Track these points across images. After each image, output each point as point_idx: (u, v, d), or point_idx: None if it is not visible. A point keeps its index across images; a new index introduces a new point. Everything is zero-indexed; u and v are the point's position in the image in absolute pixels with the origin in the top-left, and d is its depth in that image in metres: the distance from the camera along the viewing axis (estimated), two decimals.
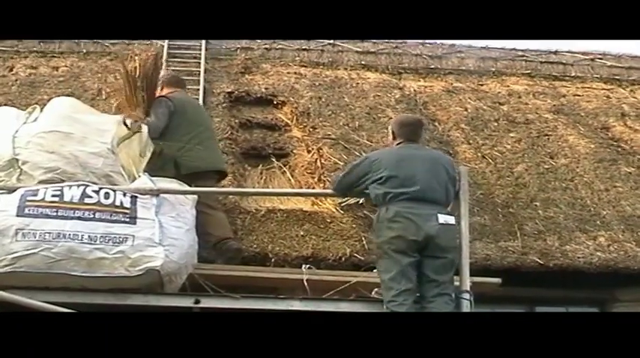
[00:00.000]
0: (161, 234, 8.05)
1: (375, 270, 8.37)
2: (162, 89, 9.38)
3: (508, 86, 12.66)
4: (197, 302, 8.06)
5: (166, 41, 12.46)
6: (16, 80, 11.53)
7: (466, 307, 7.78)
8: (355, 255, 8.93)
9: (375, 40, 13.62)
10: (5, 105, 9.86)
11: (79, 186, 8.15)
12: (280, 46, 13.07)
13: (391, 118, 11.19)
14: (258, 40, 13.16)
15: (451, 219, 7.73)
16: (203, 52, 12.21)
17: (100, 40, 12.76)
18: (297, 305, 8.08)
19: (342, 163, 10.22)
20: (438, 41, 13.81)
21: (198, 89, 11.36)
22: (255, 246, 8.97)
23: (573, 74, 13.24)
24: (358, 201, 9.34)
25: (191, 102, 9.78)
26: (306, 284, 8.34)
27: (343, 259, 8.89)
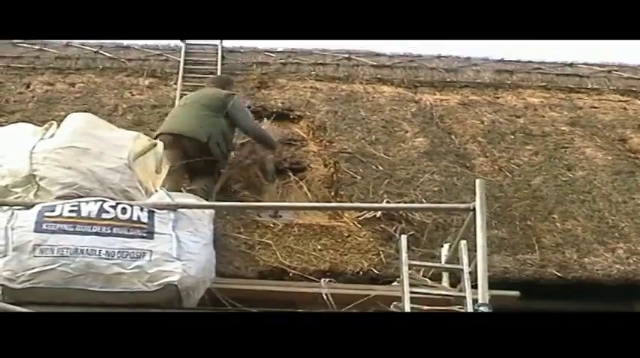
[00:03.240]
0: (179, 249, 8.06)
1: (393, 284, 8.39)
2: None
3: (524, 99, 12.62)
4: None
5: (182, 57, 12.51)
6: (33, 97, 11.52)
7: None
8: (373, 268, 8.88)
9: (389, 54, 13.68)
10: (22, 121, 9.94)
11: (96, 201, 8.18)
12: (296, 61, 13.12)
13: (407, 132, 11.30)
14: (274, 55, 13.22)
15: None
16: (219, 66, 12.25)
17: (115, 57, 12.82)
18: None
19: (358, 177, 10.26)
20: (454, 54, 13.78)
21: None
22: (272, 260, 8.95)
23: (590, 86, 13.17)
24: (376, 215, 9.35)
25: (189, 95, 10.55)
26: (326, 297, 8.33)
27: (361, 273, 8.85)
